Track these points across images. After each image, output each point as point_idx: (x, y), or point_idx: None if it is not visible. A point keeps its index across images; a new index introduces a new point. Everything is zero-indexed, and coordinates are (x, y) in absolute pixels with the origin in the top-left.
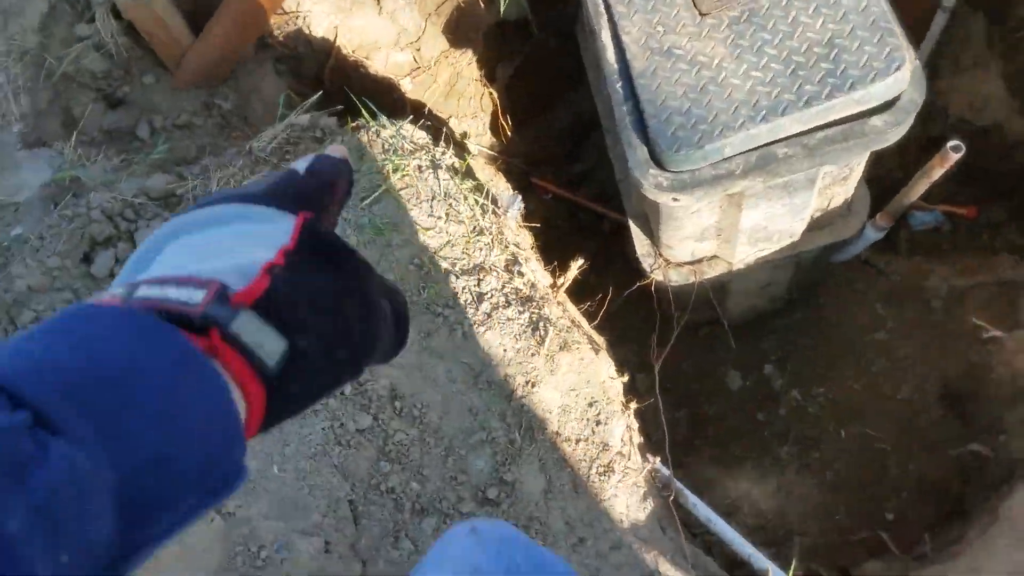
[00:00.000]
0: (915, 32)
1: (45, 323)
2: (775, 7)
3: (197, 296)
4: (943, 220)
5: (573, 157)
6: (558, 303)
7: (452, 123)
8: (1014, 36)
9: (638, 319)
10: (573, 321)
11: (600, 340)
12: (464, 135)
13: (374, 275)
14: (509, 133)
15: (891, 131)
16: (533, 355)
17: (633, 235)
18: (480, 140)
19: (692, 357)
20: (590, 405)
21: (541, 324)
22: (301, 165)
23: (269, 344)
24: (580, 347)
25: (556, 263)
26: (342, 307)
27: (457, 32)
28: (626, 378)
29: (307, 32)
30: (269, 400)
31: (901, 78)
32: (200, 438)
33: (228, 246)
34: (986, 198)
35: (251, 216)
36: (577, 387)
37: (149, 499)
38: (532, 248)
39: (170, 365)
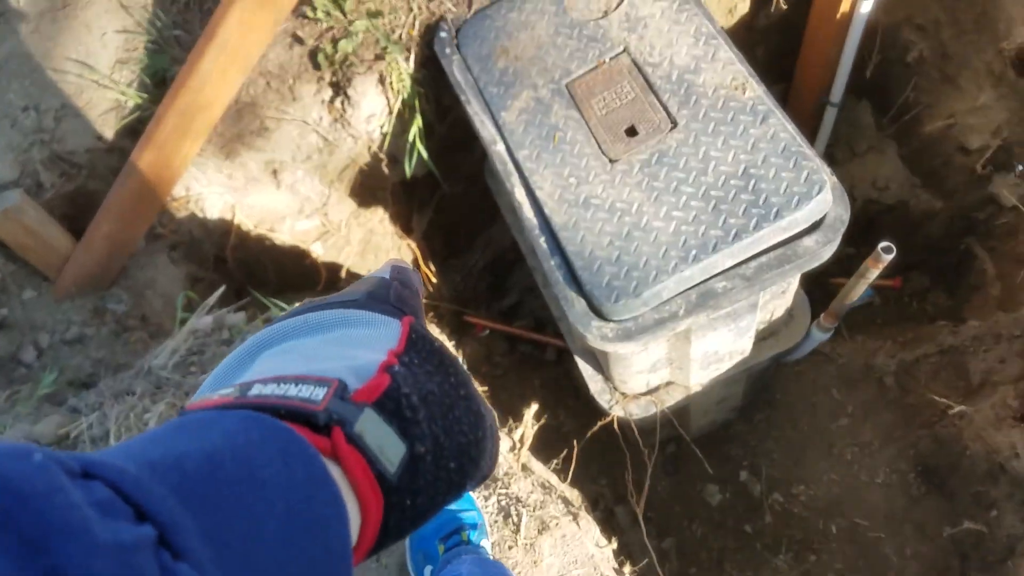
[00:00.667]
0: (808, 125)
1: (162, 427)
2: (683, 145)
3: (318, 393)
4: (873, 294)
5: (501, 291)
6: (523, 468)
7: None
8: (901, 120)
9: (603, 447)
10: (543, 485)
11: (576, 498)
12: None
13: (472, 385)
14: (434, 279)
15: (823, 249)
16: (511, 547)
17: (584, 374)
18: None
19: (665, 478)
20: None
21: (512, 508)
22: (385, 272)
23: (390, 448)
24: (559, 522)
25: (510, 418)
26: (451, 411)
27: (363, 194)
28: (615, 545)
29: (201, 215)
30: (385, 515)
31: (824, 199)
32: None
33: (335, 349)
34: (905, 268)
35: (353, 321)
36: (565, 571)
37: None
38: None
39: (300, 487)
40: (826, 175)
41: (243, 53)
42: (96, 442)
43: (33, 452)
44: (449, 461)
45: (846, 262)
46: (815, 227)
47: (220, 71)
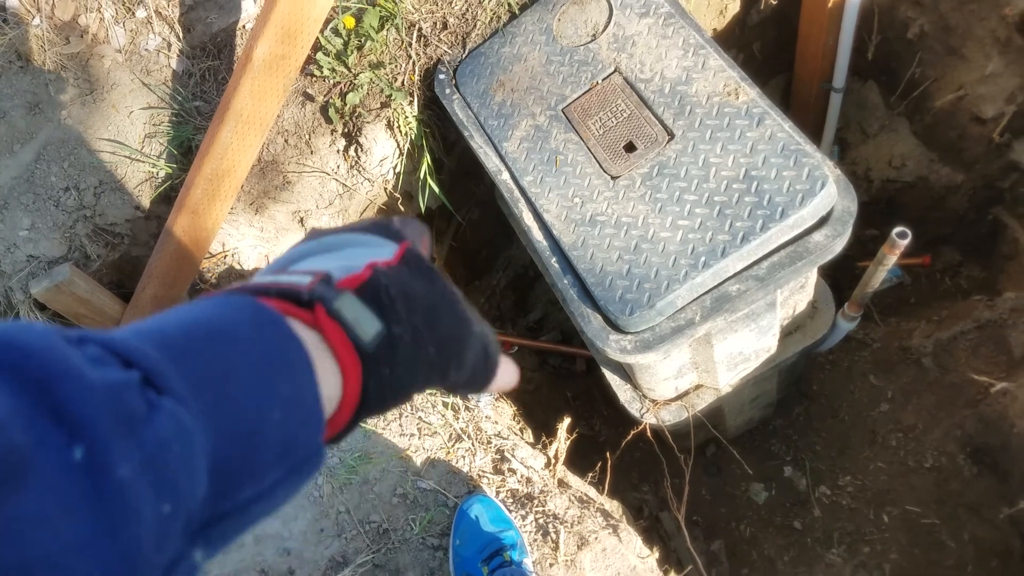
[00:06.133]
0: (815, 113)
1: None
2: (682, 155)
3: (305, 280)
4: (902, 275)
5: (525, 307)
6: (559, 483)
7: None
8: (910, 97)
9: (643, 454)
10: (581, 499)
11: (616, 509)
12: None
13: (463, 301)
14: None
15: (834, 242)
16: (552, 565)
17: (612, 385)
18: None
19: (708, 480)
20: None
21: (550, 525)
22: (393, 219)
23: (366, 323)
24: (598, 536)
25: (543, 434)
26: (434, 310)
27: None
28: (657, 554)
29: (239, 267)
30: (364, 379)
31: (828, 193)
32: (284, 415)
33: (338, 262)
34: (934, 244)
35: (360, 242)
36: None
37: (235, 467)
38: (515, 419)
39: (268, 340)
40: (828, 169)
41: (258, 118)
42: None
43: (36, 325)
44: (428, 346)
45: (870, 244)
46: (823, 221)
47: (239, 137)
